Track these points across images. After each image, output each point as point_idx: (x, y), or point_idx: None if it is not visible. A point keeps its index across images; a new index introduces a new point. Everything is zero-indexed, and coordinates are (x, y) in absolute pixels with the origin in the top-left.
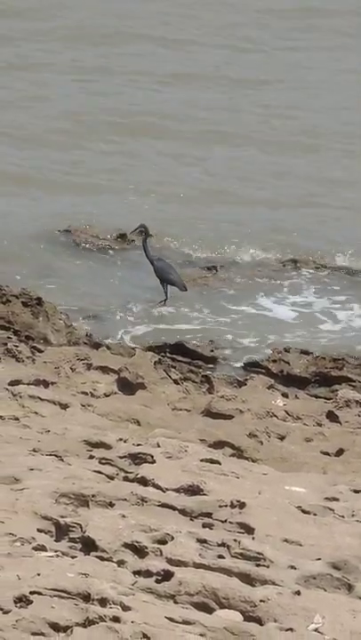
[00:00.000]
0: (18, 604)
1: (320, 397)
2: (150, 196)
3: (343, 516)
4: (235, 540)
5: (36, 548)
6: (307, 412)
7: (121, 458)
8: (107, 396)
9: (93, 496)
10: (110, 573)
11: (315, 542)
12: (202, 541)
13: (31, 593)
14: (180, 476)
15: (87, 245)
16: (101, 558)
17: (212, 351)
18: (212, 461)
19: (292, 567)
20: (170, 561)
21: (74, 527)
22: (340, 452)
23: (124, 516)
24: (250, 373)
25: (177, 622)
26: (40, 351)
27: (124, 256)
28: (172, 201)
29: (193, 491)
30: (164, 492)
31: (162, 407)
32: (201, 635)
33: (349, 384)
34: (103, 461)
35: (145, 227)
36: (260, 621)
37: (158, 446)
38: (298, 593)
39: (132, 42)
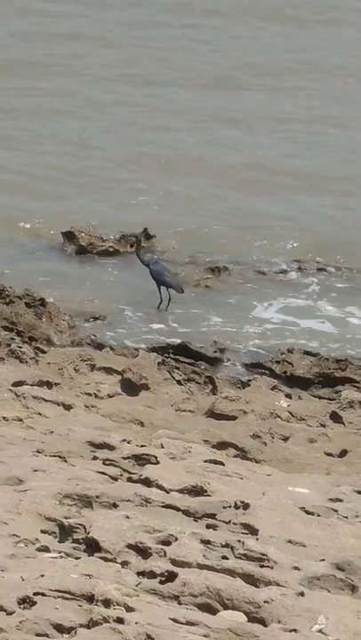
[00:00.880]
0: (22, 605)
1: (324, 398)
2: (153, 197)
3: (347, 517)
4: (239, 541)
5: (39, 549)
6: (310, 412)
7: (125, 459)
8: (110, 396)
9: (97, 497)
10: (114, 574)
11: (319, 543)
12: (206, 542)
13: (35, 594)
14: (183, 477)
15: (90, 247)
16: (105, 559)
17: (216, 352)
18: (215, 462)
19: (296, 568)
20: (174, 562)
21: (78, 528)
22: (343, 453)
23: (127, 517)
24: (253, 374)
25: (181, 623)
26: (43, 352)
27: (127, 258)
28: (174, 202)
29: (197, 491)
30: (167, 492)
31: (165, 408)
32: (205, 636)
33: (353, 385)
34: (107, 462)
35: (138, 237)
36: (264, 622)
37: (162, 447)
38: (302, 594)
39: None
